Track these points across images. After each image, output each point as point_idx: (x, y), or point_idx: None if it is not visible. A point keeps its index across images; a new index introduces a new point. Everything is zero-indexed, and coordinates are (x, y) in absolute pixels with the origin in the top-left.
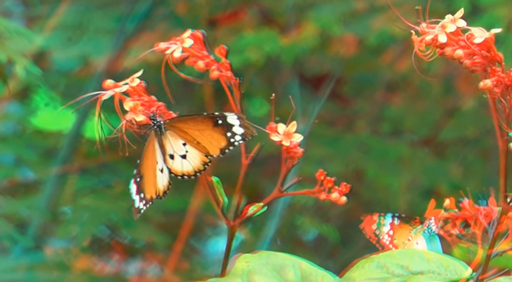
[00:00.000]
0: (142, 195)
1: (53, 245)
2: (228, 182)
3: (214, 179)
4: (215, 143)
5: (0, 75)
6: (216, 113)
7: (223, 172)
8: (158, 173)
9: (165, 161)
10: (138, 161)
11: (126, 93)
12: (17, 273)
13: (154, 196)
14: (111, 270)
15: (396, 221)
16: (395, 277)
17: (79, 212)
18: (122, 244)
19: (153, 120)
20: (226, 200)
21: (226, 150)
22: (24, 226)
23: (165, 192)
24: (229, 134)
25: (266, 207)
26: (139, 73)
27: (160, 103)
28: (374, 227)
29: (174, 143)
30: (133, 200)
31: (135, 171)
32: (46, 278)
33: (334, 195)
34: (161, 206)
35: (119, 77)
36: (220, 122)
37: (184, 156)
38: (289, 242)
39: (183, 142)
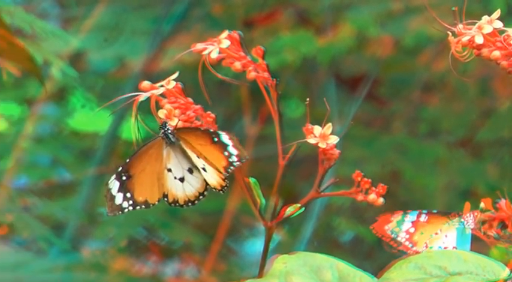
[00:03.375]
0: (128, 195)
1: (89, 246)
2: (264, 183)
3: (252, 180)
4: (216, 160)
5: (36, 76)
6: (211, 130)
7: (260, 173)
8: (173, 181)
9: (190, 170)
10: (128, 160)
11: (162, 95)
12: (54, 274)
13: (154, 202)
14: (148, 272)
15: (423, 218)
16: (433, 278)
17: None
18: (159, 245)
19: (162, 128)
20: (263, 201)
21: (229, 170)
22: (61, 228)
23: (198, 198)
24: (226, 153)
25: (304, 208)
26: (175, 75)
27: (197, 106)
28: (389, 226)
29: (191, 155)
30: (113, 196)
31: (120, 169)
32: (83, 278)
33: (371, 196)
34: (198, 207)
35: (155, 78)
36: (216, 139)
37: (204, 169)
38: (325, 243)
39: (196, 155)
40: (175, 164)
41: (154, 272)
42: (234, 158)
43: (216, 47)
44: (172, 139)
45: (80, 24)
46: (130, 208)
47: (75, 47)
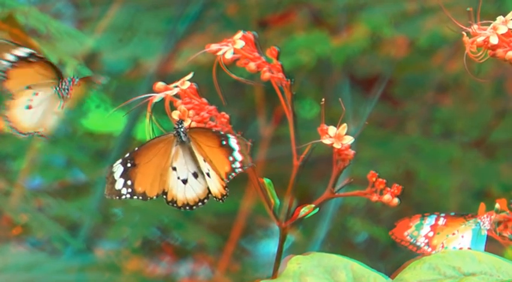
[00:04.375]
0: (129, 182)
1: (104, 247)
2: (279, 184)
3: (266, 180)
4: (220, 164)
5: None
6: (221, 132)
7: (275, 173)
8: (176, 181)
9: (195, 175)
10: (136, 149)
11: (177, 96)
12: (68, 274)
13: (152, 196)
14: (162, 272)
15: (442, 221)
16: (447, 278)
17: (130, 213)
18: (173, 246)
19: (177, 125)
20: (277, 201)
21: (230, 176)
22: (75, 228)
23: (196, 204)
24: (231, 158)
25: (318, 209)
26: (190, 76)
27: (212, 106)
28: (408, 231)
29: (199, 158)
30: (114, 180)
31: (127, 155)
32: (97, 279)
33: (386, 196)
34: (212, 207)
35: (169, 78)
36: (224, 143)
37: (208, 175)
38: (340, 243)
39: (203, 158)
40: (181, 164)
41: (168, 272)
42: (237, 164)
43: (230, 47)
44: (184, 138)
45: (94, 25)
46: (128, 196)
47: (90, 48)
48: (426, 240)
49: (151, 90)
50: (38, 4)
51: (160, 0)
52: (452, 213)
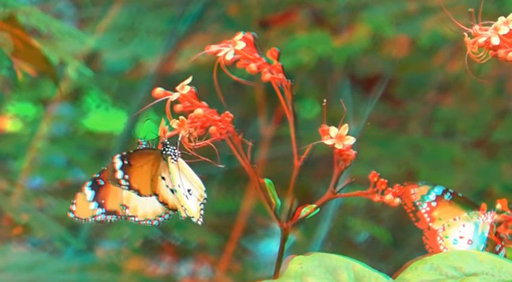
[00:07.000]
0: (127, 177)
1: (104, 247)
2: (280, 184)
3: (267, 180)
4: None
5: (51, 76)
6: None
7: (276, 174)
8: (165, 188)
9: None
10: (131, 151)
11: (176, 101)
12: (69, 274)
13: (146, 194)
14: (163, 272)
15: (447, 197)
16: (449, 279)
17: None
18: (174, 245)
19: (164, 148)
20: (279, 201)
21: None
22: (76, 228)
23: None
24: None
25: (319, 209)
26: (189, 80)
27: (207, 107)
28: (415, 196)
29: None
30: (115, 170)
31: (125, 153)
32: (98, 279)
33: (388, 197)
34: (213, 207)
35: (170, 78)
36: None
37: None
38: (340, 243)
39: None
40: (168, 177)
41: (169, 272)
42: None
43: (231, 48)
44: (172, 161)
45: (95, 25)
46: (126, 188)
47: (91, 47)
48: (428, 209)
49: (152, 90)
50: (39, 4)
51: (161, 0)
52: (460, 194)
